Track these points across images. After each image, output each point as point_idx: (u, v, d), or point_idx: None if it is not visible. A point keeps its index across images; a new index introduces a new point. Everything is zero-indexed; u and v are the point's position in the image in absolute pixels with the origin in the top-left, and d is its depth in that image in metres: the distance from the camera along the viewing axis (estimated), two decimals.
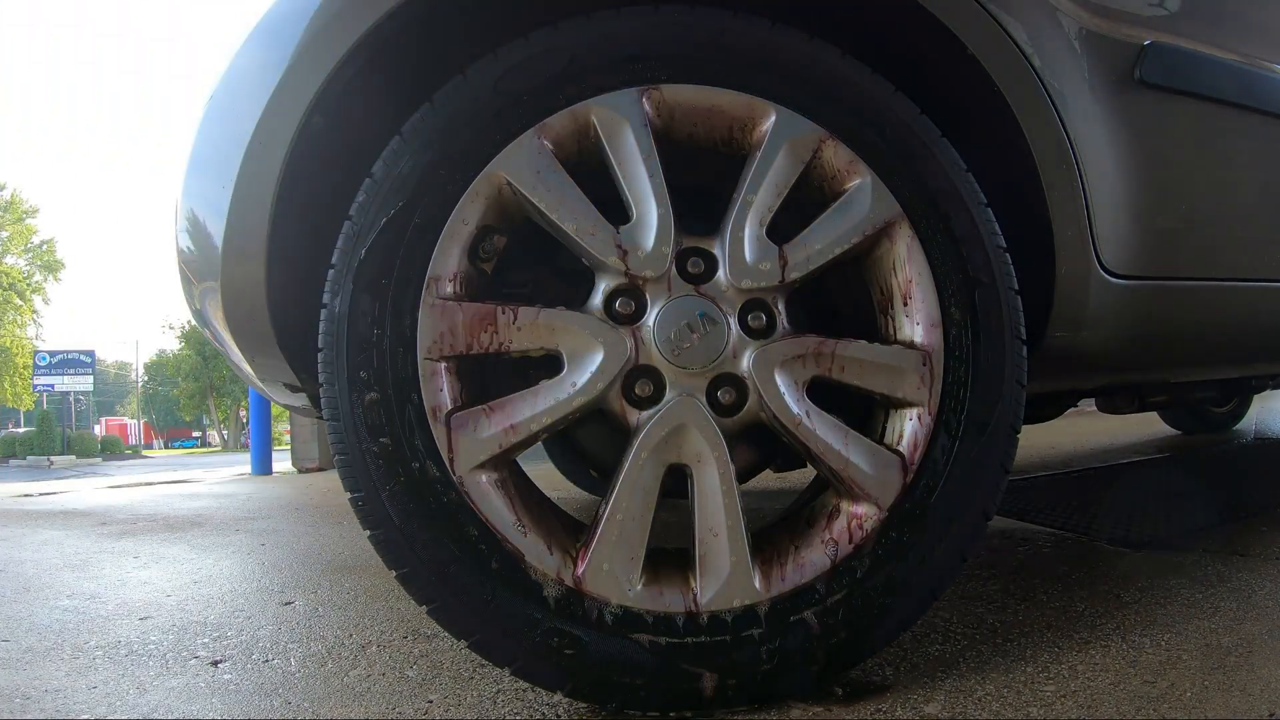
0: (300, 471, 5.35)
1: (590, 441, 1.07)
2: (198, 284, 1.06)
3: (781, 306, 0.94)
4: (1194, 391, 2.28)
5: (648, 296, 0.90)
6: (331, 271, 0.88)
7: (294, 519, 2.80)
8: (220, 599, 1.58)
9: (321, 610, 1.45)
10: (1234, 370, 1.90)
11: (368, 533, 0.85)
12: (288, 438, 6.79)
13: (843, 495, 0.93)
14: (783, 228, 0.93)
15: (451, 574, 0.84)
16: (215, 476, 5.67)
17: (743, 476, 1.04)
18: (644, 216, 0.90)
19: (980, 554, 1.59)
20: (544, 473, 1.96)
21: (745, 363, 0.90)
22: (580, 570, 0.86)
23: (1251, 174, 1.27)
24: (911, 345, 0.94)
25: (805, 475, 1.22)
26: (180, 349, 40.89)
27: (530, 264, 1.09)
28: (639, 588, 0.87)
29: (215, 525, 2.71)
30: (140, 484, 5.12)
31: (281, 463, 5.99)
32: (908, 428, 0.93)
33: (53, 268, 34.72)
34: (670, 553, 0.94)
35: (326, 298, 0.88)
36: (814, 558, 0.90)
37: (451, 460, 0.85)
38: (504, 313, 0.88)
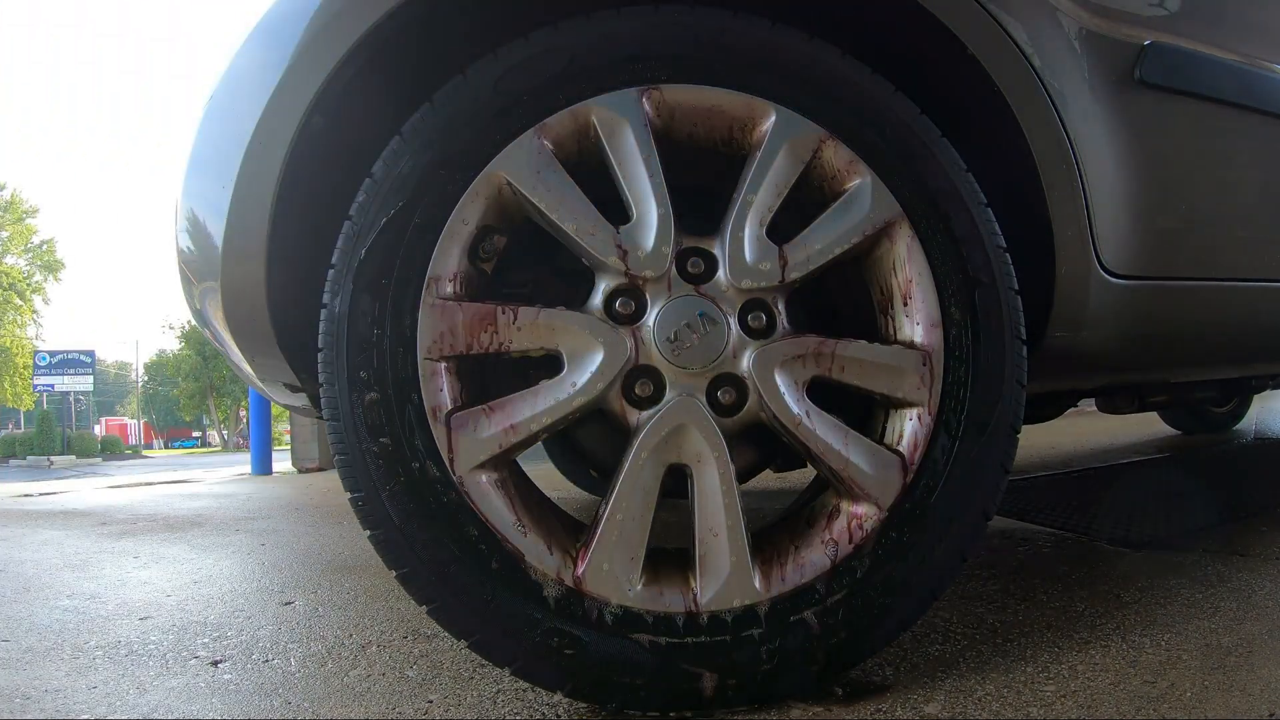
0: (300, 471, 5.35)
1: (590, 441, 1.07)
2: (198, 284, 1.06)
3: (781, 306, 0.94)
4: (1194, 391, 2.29)
5: (648, 296, 0.90)
6: (331, 271, 0.88)
7: (294, 519, 2.80)
8: (220, 599, 1.58)
9: (321, 610, 1.45)
10: (1234, 370, 1.90)
11: (368, 533, 0.85)
12: (288, 438, 6.79)
13: (843, 495, 0.93)
14: (783, 228, 0.93)
15: (451, 574, 0.84)
16: (215, 476, 5.67)
17: (743, 476, 1.04)
18: (644, 216, 0.90)
19: (980, 554, 1.59)
20: (544, 473, 1.97)
21: (745, 363, 0.90)
22: (580, 570, 0.86)
23: (1251, 174, 1.27)
24: (911, 345, 0.94)
25: (805, 475, 1.22)
26: (180, 349, 40.89)
27: (530, 264, 1.09)
28: (639, 588, 0.87)
29: (215, 525, 2.71)
30: (140, 484, 5.12)
31: (281, 463, 5.99)
32: (908, 428, 0.93)
33: (53, 268, 34.72)
34: (670, 553, 0.94)
35: (326, 298, 0.88)
36: (814, 558, 0.90)
37: (451, 460, 0.85)
38: (504, 313, 0.88)
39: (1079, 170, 1.04)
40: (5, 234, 33.14)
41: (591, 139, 0.92)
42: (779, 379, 0.90)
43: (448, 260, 0.88)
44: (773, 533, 0.99)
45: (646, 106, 0.92)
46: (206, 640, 1.29)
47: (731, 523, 0.88)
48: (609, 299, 0.90)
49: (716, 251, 0.92)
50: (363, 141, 0.95)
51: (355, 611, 1.43)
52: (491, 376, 1.01)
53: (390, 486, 0.84)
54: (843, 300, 1.12)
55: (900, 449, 0.92)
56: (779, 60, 0.94)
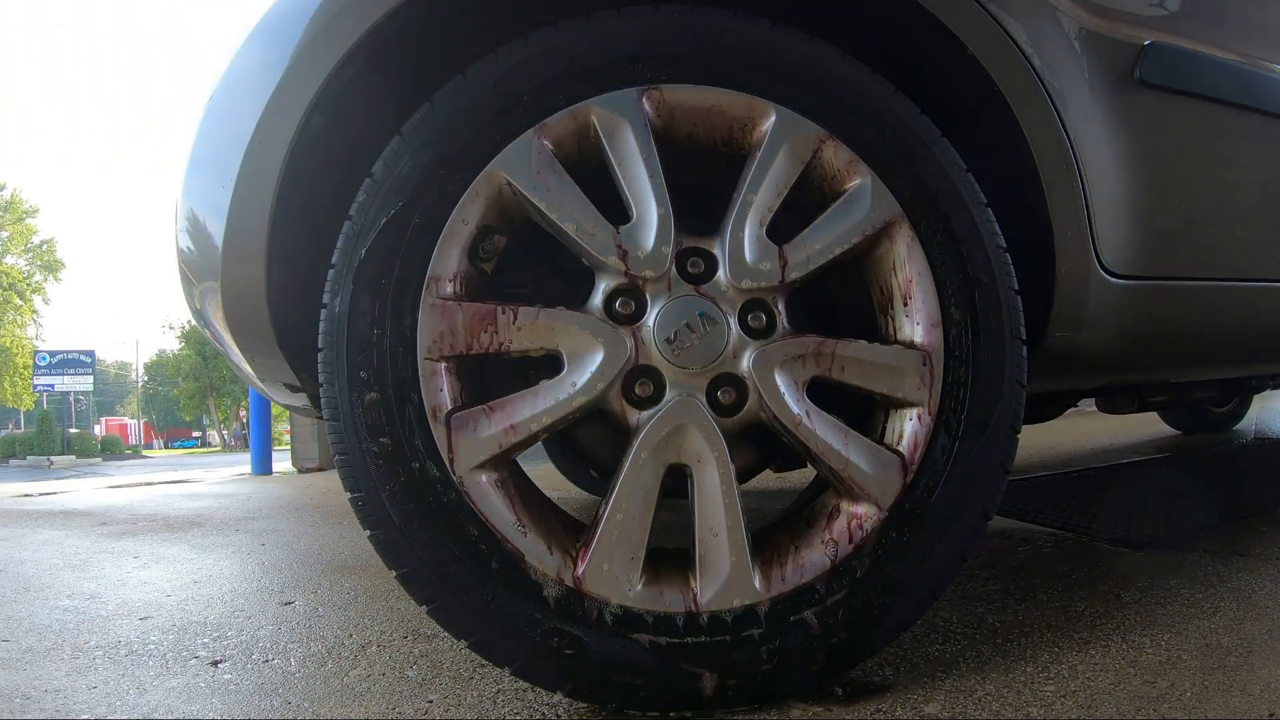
0: (300, 471, 5.35)
1: (590, 441, 1.07)
2: (198, 284, 1.06)
3: (781, 306, 0.94)
4: (1194, 391, 2.29)
5: (648, 296, 0.90)
6: (331, 271, 0.88)
7: (294, 519, 2.80)
8: (220, 599, 1.58)
9: (321, 610, 1.45)
10: (1234, 370, 1.90)
11: (368, 533, 0.85)
12: (288, 438, 6.79)
13: (843, 495, 0.93)
14: (783, 228, 0.93)
15: (451, 574, 0.84)
16: (215, 476, 5.68)
17: (743, 476, 1.04)
18: (644, 216, 0.90)
19: (980, 554, 1.59)
20: (544, 473, 1.97)
21: (745, 363, 0.90)
22: (580, 570, 0.86)
23: (1251, 174, 1.27)
24: (911, 345, 0.94)
25: (805, 475, 1.22)
26: (180, 349, 40.89)
27: (530, 264, 1.09)
28: (639, 588, 0.87)
29: (215, 525, 2.71)
30: (140, 484, 5.12)
31: (281, 463, 5.99)
32: (908, 428, 0.93)
33: (53, 268, 34.72)
34: (670, 553, 0.94)
35: (326, 298, 0.88)
36: (814, 558, 0.90)
37: (451, 460, 0.85)
38: (504, 313, 0.88)
39: (1079, 170, 1.04)
40: (5, 234, 33.14)
41: (591, 139, 0.92)
42: (779, 379, 0.90)
43: (448, 260, 0.88)
44: (773, 533, 0.99)
45: (646, 106, 0.92)
46: (206, 640, 1.29)
47: (731, 523, 0.88)
48: (609, 299, 0.90)
49: (716, 251, 0.92)
50: (363, 141, 0.95)
51: (355, 611, 1.43)
52: (491, 376, 1.01)
53: (390, 486, 0.84)
54: (843, 300, 1.12)
55: (900, 449, 0.92)
56: (779, 60, 0.94)
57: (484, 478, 0.87)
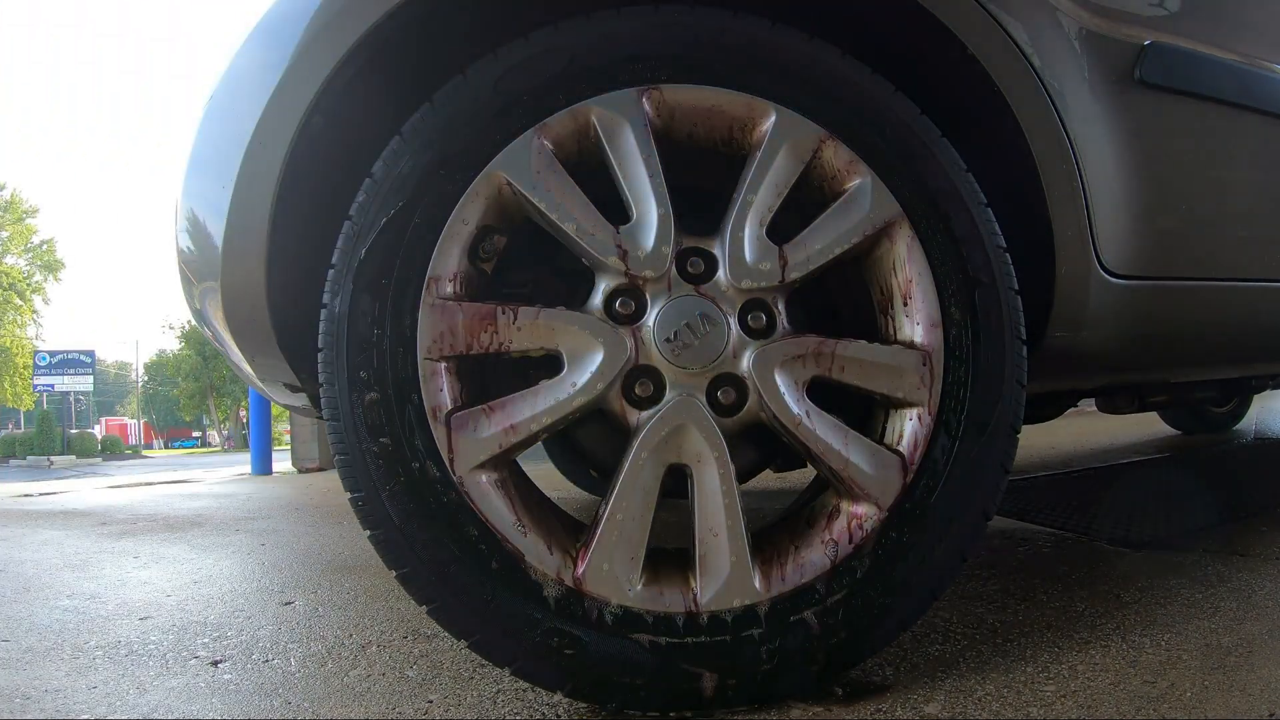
0: (300, 471, 5.35)
1: (590, 441, 1.07)
2: (198, 284, 1.06)
3: (781, 306, 0.94)
4: (1194, 391, 2.28)
5: (648, 296, 0.90)
6: (331, 271, 0.88)
7: (294, 519, 2.80)
8: (220, 599, 1.58)
9: (321, 610, 1.45)
10: (1234, 370, 1.90)
11: (368, 533, 0.85)
12: (288, 438, 6.79)
13: (843, 495, 0.93)
14: (783, 228, 0.93)
15: (451, 574, 0.84)
16: (215, 476, 5.68)
17: (743, 476, 1.04)
18: (644, 216, 0.90)
19: (980, 554, 1.59)
20: (544, 473, 1.97)
21: (745, 363, 0.90)
22: (580, 570, 0.86)
23: (1251, 174, 1.27)
24: (911, 345, 0.94)
25: (805, 475, 1.22)
26: (180, 349, 40.90)
27: (530, 264, 1.09)
28: (639, 588, 0.87)
29: (215, 525, 2.71)
30: (140, 484, 5.12)
31: (281, 463, 5.99)
32: (908, 428, 0.93)
33: (53, 268, 34.72)
34: (670, 553, 0.94)
35: (326, 298, 0.88)
36: (814, 558, 0.90)
37: (451, 460, 0.85)
38: (504, 313, 0.88)
39: (1079, 170, 1.04)
40: (5, 234, 33.15)
41: (591, 139, 0.92)
42: (779, 379, 0.90)
43: (448, 260, 0.88)
44: (773, 533, 0.99)
45: (646, 106, 0.92)
46: (206, 640, 1.29)
47: (731, 523, 0.88)
48: (609, 299, 0.90)
49: (716, 251, 0.92)
50: (363, 141, 0.95)
51: (355, 611, 1.43)
52: (491, 376, 1.01)
53: (390, 486, 0.84)
54: (843, 300, 1.12)
55: (900, 449, 0.92)
56: (779, 60, 0.94)
57: (484, 478, 0.87)
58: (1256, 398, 4.18)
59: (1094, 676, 0.94)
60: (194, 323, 1.30)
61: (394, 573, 0.85)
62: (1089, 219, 1.05)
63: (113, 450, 31.50)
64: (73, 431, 30.29)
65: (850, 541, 0.91)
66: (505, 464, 0.90)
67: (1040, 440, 3.70)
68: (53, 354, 31.80)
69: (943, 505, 0.92)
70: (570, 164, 0.91)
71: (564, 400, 0.87)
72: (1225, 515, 1.90)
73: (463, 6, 0.96)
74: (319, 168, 0.96)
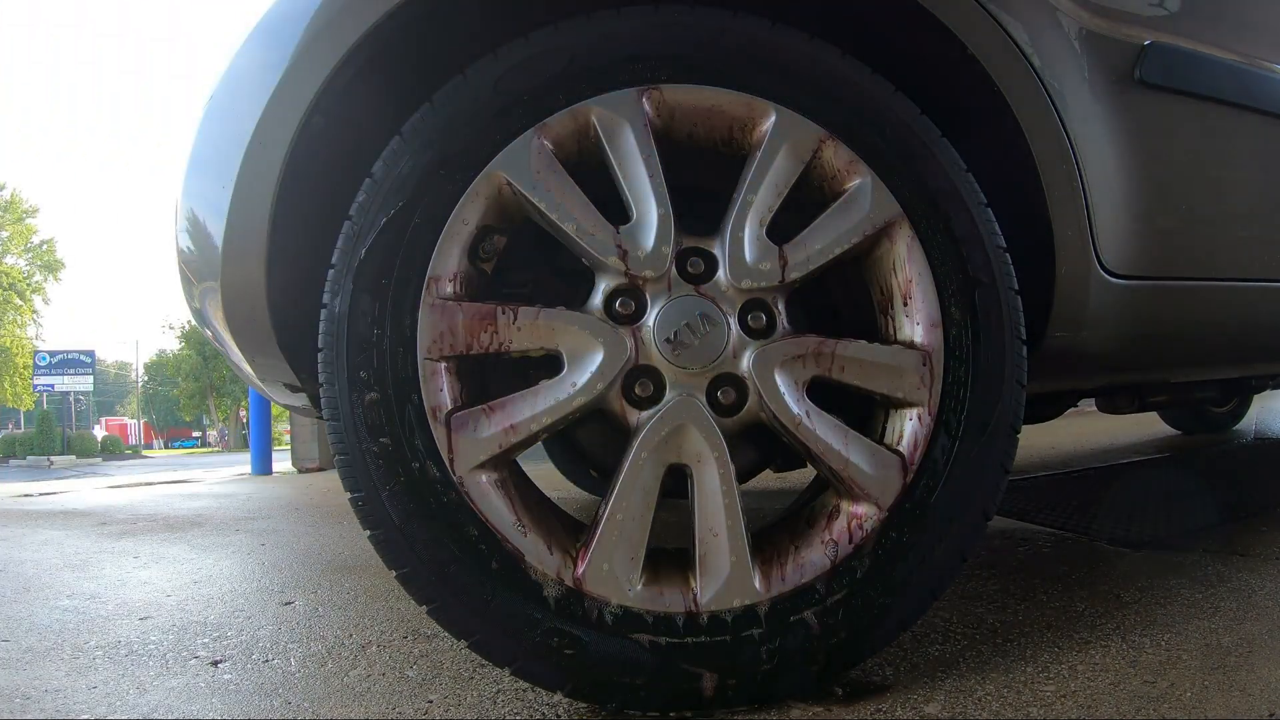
0: (300, 471, 5.35)
1: (590, 441, 1.07)
2: (198, 284, 1.06)
3: (781, 306, 0.94)
4: (1194, 391, 2.28)
5: (648, 296, 0.90)
6: (331, 271, 0.88)
7: (294, 519, 2.80)
8: (220, 599, 1.58)
9: (321, 610, 1.45)
10: (1234, 370, 1.90)
11: (368, 533, 0.85)
12: (288, 438, 6.79)
13: (843, 495, 0.93)
14: (783, 228, 0.93)
15: (451, 574, 0.84)
16: (215, 476, 5.68)
17: (743, 476, 1.04)
18: (644, 216, 0.90)
19: (980, 554, 1.59)
20: (544, 473, 1.97)
21: (745, 363, 0.90)
22: (580, 570, 0.86)
23: (1251, 174, 1.27)
24: (911, 345, 0.94)
25: (805, 475, 1.22)
26: (180, 349, 40.89)
27: (530, 264, 1.09)
28: (639, 588, 0.87)
29: (215, 525, 2.71)
30: (140, 484, 5.12)
31: (281, 463, 5.99)
32: (908, 428, 0.93)
33: (53, 268, 34.72)
34: (670, 553, 0.94)
35: (326, 298, 0.88)
36: (814, 558, 0.90)
37: (451, 460, 0.85)
38: (504, 313, 0.88)
39: (1079, 170, 1.04)
40: (5, 234, 33.14)
41: (591, 139, 0.92)
42: (779, 379, 0.90)
43: (448, 260, 0.88)
44: (773, 533, 0.99)
45: (646, 106, 0.92)
46: (206, 640, 1.29)
47: (731, 523, 0.88)
48: (609, 299, 0.90)
49: (716, 251, 0.92)
50: (363, 141, 0.95)
51: (355, 611, 1.43)
52: (491, 376, 1.01)
53: (390, 486, 0.84)
54: (843, 300, 1.12)
55: (900, 449, 0.92)
56: (779, 60, 0.94)
57: (484, 478, 0.87)
58: (1256, 398, 4.18)
59: (1094, 676, 0.94)
60: (194, 323, 1.30)
61: (394, 573, 0.85)
62: (1089, 219, 1.05)
63: (112, 450, 31.49)
64: (72, 432, 30.28)
65: (850, 541, 0.91)
66: (505, 464, 0.90)
67: (1040, 440, 3.71)
68: (53, 354, 31.79)
69: (943, 505, 0.92)
70: (570, 164, 0.91)
71: (564, 400, 0.87)
72: (1225, 515, 1.90)
73: (462, 6, 0.96)
74: (319, 168, 0.96)
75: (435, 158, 0.88)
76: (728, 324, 0.90)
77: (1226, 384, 2.61)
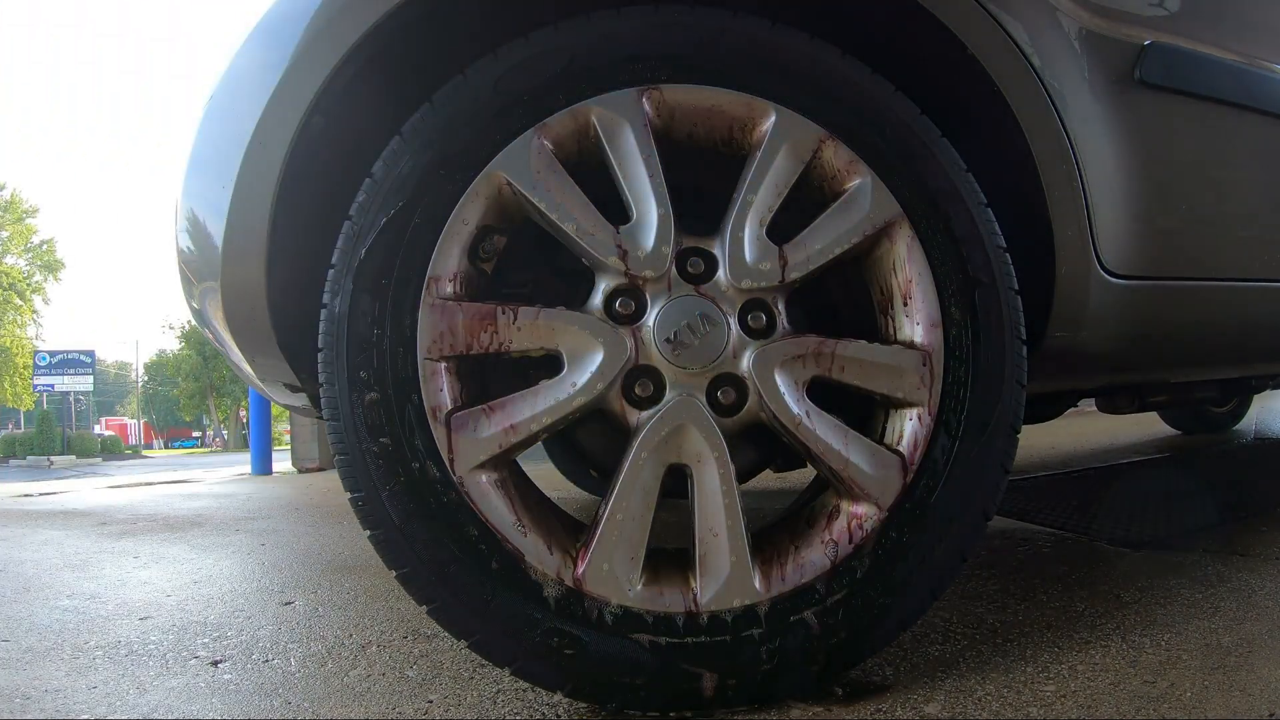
0: (300, 471, 5.35)
1: (590, 441, 1.07)
2: (198, 284, 1.06)
3: (781, 306, 0.94)
4: (1194, 391, 2.28)
5: (648, 296, 0.90)
6: (331, 271, 0.88)
7: (294, 519, 2.80)
8: (220, 599, 1.58)
9: (321, 610, 1.45)
10: (1234, 370, 1.90)
11: (368, 533, 0.85)
12: (288, 438, 6.79)
13: (843, 495, 0.93)
14: (783, 228, 0.93)
15: (451, 574, 0.84)
16: (215, 476, 5.67)
17: (743, 476, 1.04)
18: (644, 216, 0.90)
19: (980, 554, 1.59)
20: (544, 473, 1.97)
21: (745, 363, 0.90)
22: (580, 570, 0.86)
23: (1251, 174, 1.27)
24: (911, 345, 0.94)
25: (805, 475, 1.22)
26: (180, 349, 40.89)
27: (530, 264, 1.09)
28: (639, 588, 0.87)
29: (215, 525, 2.71)
30: (140, 484, 5.12)
31: (281, 463, 5.99)
32: (908, 428, 0.93)
33: (53, 268, 34.72)
34: (670, 553, 0.94)
35: (326, 298, 0.88)
36: (814, 558, 0.90)
37: (451, 460, 0.85)
38: (504, 313, 0.88)
39: (1079, 170, 1.04)
40: (5, 234, 33.14)
41: (591, 139, 0.92)
42: (779, 379, 0.90)
43: (448, 260, 0.88)
44: (773, 533, 0.99)
45: (646, 106, 0.92)
46: (206, 640, 1.29)
47: (731, 523, 0.88)
48: (609, 299, 0.90)
49: (716, 251, 0.92)
50: (363, 141, 0.95)
51: (355, 611, 1.43)
52: (492, 376, 1.01)
53: (390, 486, 0.84)
54: (843, 300, 1.12)
55: (900, 449, 0.92)
56: (779, 60, 0.94)
57: (484, 478, 0.87)
58: (1256, 398, 4.18)
59: (1094, 676, 0.94)
60: (194, 323, 1.30)
61: (394, 573, 0.85)
62: (1089, 219, 1.05)
63: (112, 450, 31.49)
64: (72, 432, 30.28)
65: (850, 541, 0.91)
66: (505, 464, 0.90)
67: (1040, 440, 3.70)
68: (53, 354, 31.78)
69: (943, 505, 0.92)
70: (570, 164, 0.91)
71: (564, 400, 0.87)
72: (1225, 515, 1.90)
73: (462, 6, 0.96)
74: (319, 168, 0.96)
75: (435, 158, 0.88)
76: (728, 324, 0.90)
77: (1226, 384, 2.60)
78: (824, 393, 0.93)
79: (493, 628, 0.85)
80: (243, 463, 8.26)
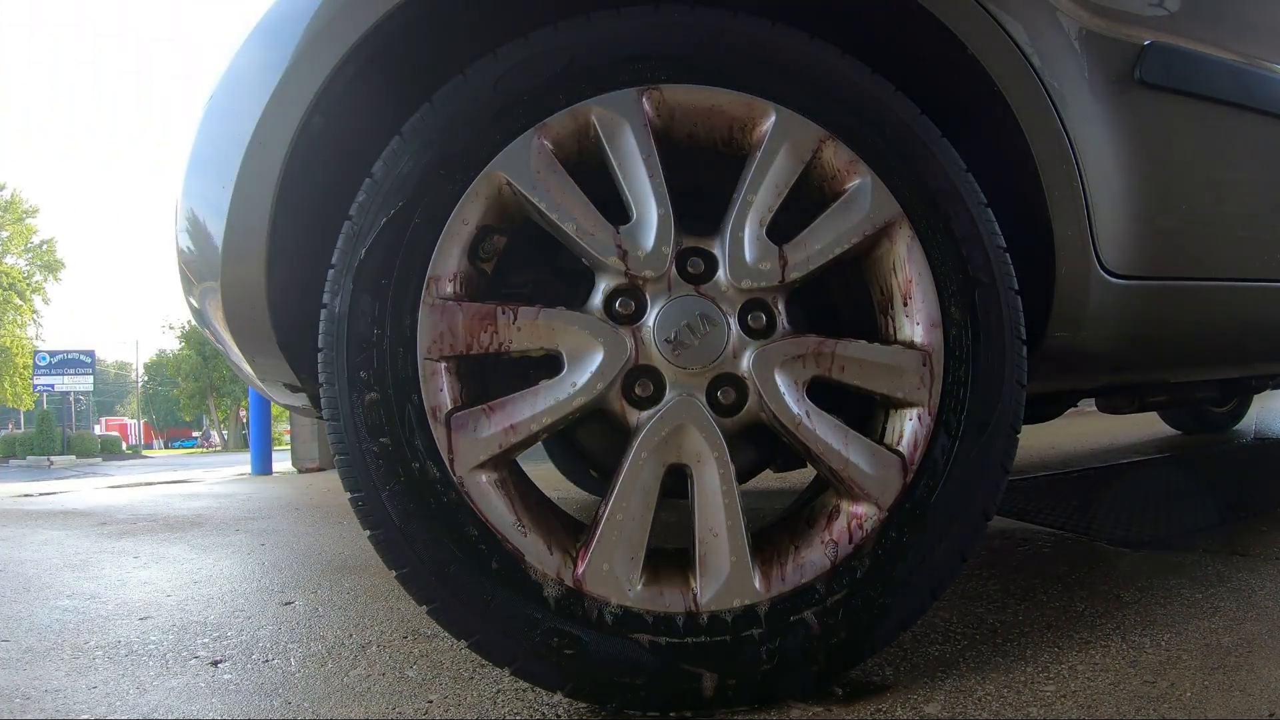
0: (300, 471, 5.35)
1: (590, 441, 1.07)
2: (198, 284, 1.06)
3: (781, 306, 0.94)
4: (1194, 391, 2.28)
5: (648, 296, 0.90)
6: (331, 271, 0.88)
7: (294, 519, 2.80)
8: (220, 599, 1.58)
9: (321, 610, 1.45)
10: (1234, 370, 1.90)
11: (368, 533, 0.85)
12: (288, 438, 6.79)
13: (843, 495, 0.93)
14: (783, 228, 0.93)
15: (451, 574, 0.84)
16: (215, 476, 5.68)
17: (743, 476, 1.04)
18: (644, 216, 0.90)
19: (980, 554, 1.59)
20: (544, 473, 1.97)
21: (745, 363, 0.90)
22: (580, 570, 0.86)
23: (1251, 174, 1.27)
24: (911, 345, 0.94)
25: (805, 475, 1.22)
26: (180, 349, 40.87)
27: (530, 264, 1.09)
28: (639, 588, 0.87)
29: (215, 525, 2.71)
30: (140, 484, 5.12)
31: (281, 463, 5.99)
32: (908, 428, 0.93)
33: (53, 268, 34.71)
34: (670, 553, 0.94)
35: (326, 298, 0.88)
36: (814, 558, 0.90)
37: (451, 460, 0.85)
38: (504, 313, 0.88)
39: (1079, 170, 1.04)
40: (5, 234, 33.14)
41: (591, 139, 0.92)
42: (779, 379, 0.90)
43: (448, 260, 0.88)
44: (773, 533, 0.99)
45: (646, 106, 0.92)
46: (206, 640, 1.29)
47: (731, 523, 0.88)
48: (609, 299, 0.90)
49: (716, 251, 0.92)
50: (363, 141, 0.95)
51: (355, 611, 1.43)
52: (492, 376, 1.01)
53: (390, 486, 0.84)
54: (843, 300, 1.12)
55: (900, 449, 0.92)
56: (779, 60, 0.94)
57: (484, 478, 0.87)
58: (1256, 398, 4.18)
59: (1094, 676, 0.94)
60: (194, 323, 1.30)
61: (394, 573, 0.85)
62: (1089, 219, 1.05)
63: (112, 450, 31.48)
64: (72, 432, 30.27)
65: (850, 541, 0.91)
66: (505, 464, 0.90)
67: (1040, 440, 3.71)
68: (53, 354, 31.76)
69: (943, 505, 0.92)
70: (570, 164, 0.91)
71: (564, 400, 0.87)
72: (1225, 515, 1.90)
73: (462, 6, 0.96)
74: (319, 168, 0.96)
75: (435, 158, 0.88)
76: (728, 324, 0.90)
77: (1226, 384, 2.60)
78: (824, 393, 0.93)
79: (493, 628, 0.85)
80: (243, 463, 8.27)
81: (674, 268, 0.91)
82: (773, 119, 0.93)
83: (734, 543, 0.88)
